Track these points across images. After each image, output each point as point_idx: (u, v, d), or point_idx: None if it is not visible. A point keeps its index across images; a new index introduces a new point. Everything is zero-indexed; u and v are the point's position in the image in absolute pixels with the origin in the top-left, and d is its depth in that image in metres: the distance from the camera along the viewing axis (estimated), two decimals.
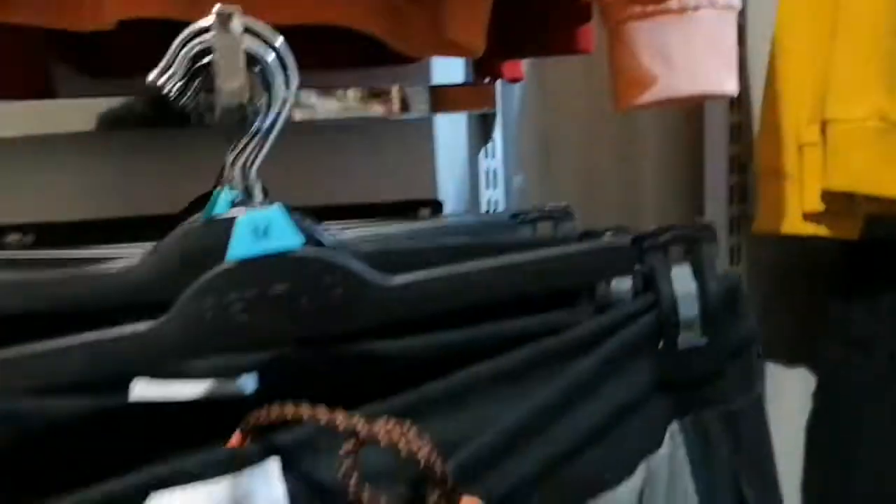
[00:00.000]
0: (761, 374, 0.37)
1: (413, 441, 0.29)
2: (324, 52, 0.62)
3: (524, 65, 0.74)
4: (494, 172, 0.79)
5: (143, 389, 0.34)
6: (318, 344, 0.39)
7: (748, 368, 0.36)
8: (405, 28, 0.50)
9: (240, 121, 0.33)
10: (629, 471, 0.33)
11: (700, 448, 0.35)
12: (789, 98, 0.76)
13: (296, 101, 0.56)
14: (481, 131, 0.79)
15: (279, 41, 0.31)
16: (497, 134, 0.78)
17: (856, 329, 0.82)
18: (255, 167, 0.34)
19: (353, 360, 0.37)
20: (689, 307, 0.34)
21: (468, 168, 0.81)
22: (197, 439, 0.33)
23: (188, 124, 0.59)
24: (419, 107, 0.67)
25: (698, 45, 0.53)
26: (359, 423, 0.29)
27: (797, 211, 0.77)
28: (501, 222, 0.46)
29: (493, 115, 0.77)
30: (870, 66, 0.70)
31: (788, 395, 0.94)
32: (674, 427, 0.35)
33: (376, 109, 0.65)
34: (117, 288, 0.32)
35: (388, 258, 0.34)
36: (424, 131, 0.80)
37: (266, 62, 0.31)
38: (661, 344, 0.34)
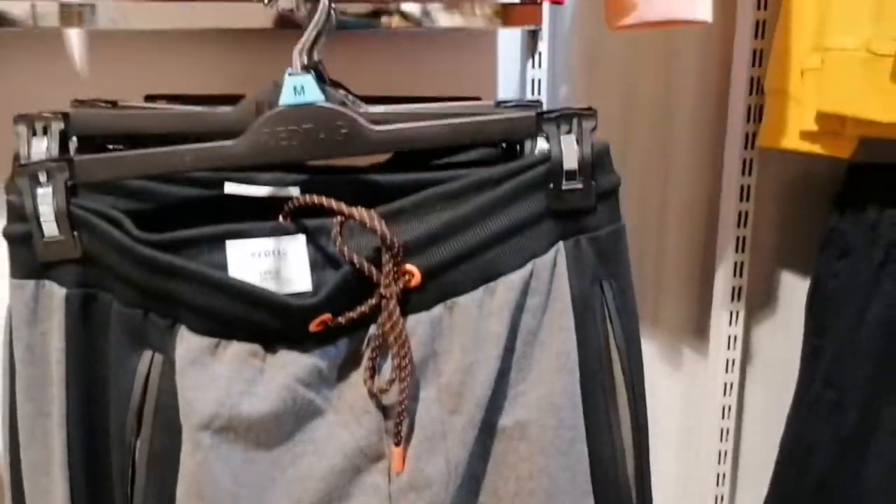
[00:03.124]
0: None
1: (375, 219, 0.49)
2: None
3: None
4: (539, 81, 0.95)
5: (232, 188, 0.56)
6: (335, 173, 0.59)
7: (612, 208, 0.53)
8: None
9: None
10: (522, 265, 0.52)
11: (575, 259, 0.53)
12: (797, 27, 0.86)
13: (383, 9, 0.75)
14: (530, 45, 0.95)
15: None
16: (543, 48, 0.94)
17: (845, 238, 0.94)
18: (307, 52, 0.53)
19: (355, 184, 0.57)
20: (571, 161, 0.51)
21: (519, 78, 0.97)
22: (259, 219, 0.54)
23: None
24: (487, 20, 0.84)
25: None
26: (343, 206, 0.49)
27: (796, 129, 0.88)
28: (487, 105, 0.63)
29: (539, 31, 0.92)
30: (862, 1, 0.80)
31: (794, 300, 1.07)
32: (559, 245, 0.53)
33: (452, 20, 0.83)
34: (218, 121, 0.53)
35: (380, 117, 0.53)
36: (488, 43, 0.96)
37: None
38: (551, 185, 0.52)
